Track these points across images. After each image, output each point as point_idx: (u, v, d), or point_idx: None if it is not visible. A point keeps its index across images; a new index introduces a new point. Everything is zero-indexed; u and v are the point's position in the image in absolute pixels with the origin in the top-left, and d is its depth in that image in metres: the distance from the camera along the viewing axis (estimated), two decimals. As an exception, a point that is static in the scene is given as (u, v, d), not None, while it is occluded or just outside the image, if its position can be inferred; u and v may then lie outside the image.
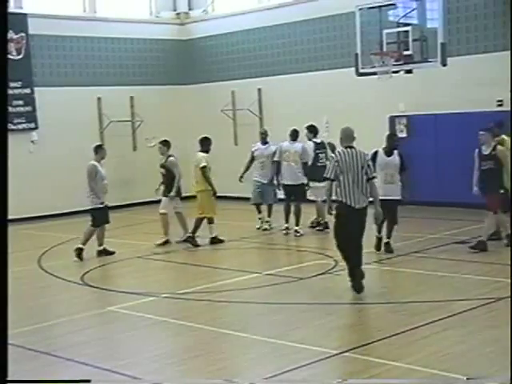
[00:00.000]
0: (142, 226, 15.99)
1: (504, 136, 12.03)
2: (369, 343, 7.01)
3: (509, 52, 15.13)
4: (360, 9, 14.81)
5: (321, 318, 8.10)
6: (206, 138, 13.45)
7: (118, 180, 19.43)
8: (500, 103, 15.40)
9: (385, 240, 11.45)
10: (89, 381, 6.03)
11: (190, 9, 21.49)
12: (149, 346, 7.49)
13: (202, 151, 13.24)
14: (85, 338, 7.81)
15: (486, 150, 11.28)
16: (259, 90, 19.60)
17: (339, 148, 9.28)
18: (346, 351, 6.77)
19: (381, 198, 9.83)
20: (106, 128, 19.51)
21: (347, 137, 9.17)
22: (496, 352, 6.58)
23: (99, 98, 19.48)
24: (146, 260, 12.13)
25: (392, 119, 16.98)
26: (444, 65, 13.80)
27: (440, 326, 7.46)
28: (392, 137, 11.89)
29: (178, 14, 21.43)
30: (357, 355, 6.68)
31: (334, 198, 9.04)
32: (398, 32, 14.47)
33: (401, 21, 14.68)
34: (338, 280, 9.96)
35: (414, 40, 14.18)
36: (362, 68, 14.86)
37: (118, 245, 13.26)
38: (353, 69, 15.18)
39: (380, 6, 14.53)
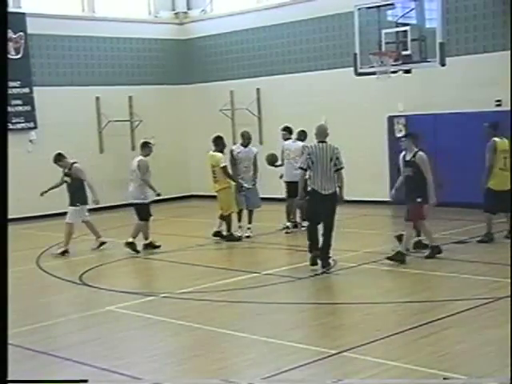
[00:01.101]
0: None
1: (496, 138, 11.82)
2: (367, 343, 7.00)
3: (508, 52, 15.15)
4: (359, 9, 14.79)
5: (319, 317, 8.10)
6: (219, 137, 13.50)
7: (117, 180, 19.42)
8: (498, 103, 15.40)
9: (416, 239, 11.53)
10: (86, 381, 6.02)
11: (188, 8, 21.49)
12: (148, 346, 7.48)
13: (217, 151, 13.29)
14: (83, 337, 7.80)
15: (407, 156, 10.89)
16: (258, 89, 19.60)
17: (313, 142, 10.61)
18: (345, 351, 6.76)
19: None
20: (104, 128, 19.50)
21: (320, 133, 10.51)
22: (495, 352, 6.59)
23: (98, 98, 19.47)
24: (145, 260, 12.12)
25: (391, 119, 16.99)
26: (443, 65, 13.80)
27: (439, 325, 7.46)
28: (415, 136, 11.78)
29: (176, 13, 21.43)
30: (355, 355, 6.67)
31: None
32: (397, 32, 14.45)
33: (399, 21, 14.66)
34: (336, 280, 9.97)
35: (413, 40, 14.17)
36: (361, 68, 14.85)
37: (116, 244, 13.24)
38: (351, 69, 15.17)
39: (378, 6, 14.51)
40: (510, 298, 7.84)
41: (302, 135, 14.16)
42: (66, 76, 19.07)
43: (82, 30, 19.23)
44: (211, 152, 13.36)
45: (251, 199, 13.68)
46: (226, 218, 13.25)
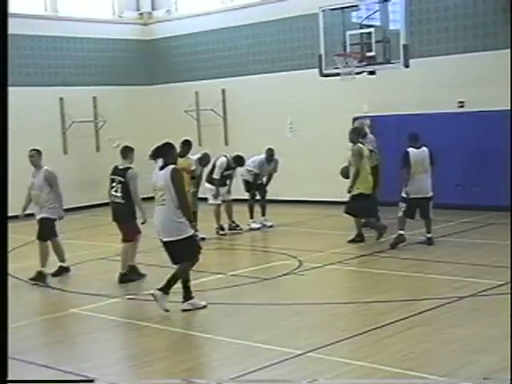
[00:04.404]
0: (105, 228, 15.82)
1: (359, 144, 12.30)
2: (333, 343, 7.03)
3: (469, 54, 15.40)
4: (323, 10, 14.85)
5: (285, 318, 8.11)
6: (185, 141, 13.39)
7: (81, 181, 19.29)
8: (461, 104, 15.59)
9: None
10: (92, 380, 5.98)
11: (153, 9, 21.40)
12: (113, 348, 7.44)
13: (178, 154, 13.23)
14: (47, 340, 7.73)
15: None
16: (223, 90, 19.58)
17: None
18: (311, 351, 6.79)
19: None
20: (68, 129, 19.34)
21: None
22: (458, 350, 6.66)
23: (61, 99, 19.29)
24: (109, 261, 12.02)
25: (355, 120, 17.06)
26: (406, 66, 13.92)
27: (403, 325, 7.52)
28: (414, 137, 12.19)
29: (141, 14, 21.32)
30: (321, 355, 6.70)
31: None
32: (361, 33, 14.55)
33: (364, 22, 14.75)
34: (302, 280, 10.00)
35: (377, 41, 14.27)
36: (326, 69, 14.91)
37: (81, 246, 13.15)
38: (316, 70, 15.23)
39: (343, 8, 14.59)
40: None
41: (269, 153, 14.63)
42: (28, 76, 18.85)
43: (44, 30, 19.04)
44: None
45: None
46: None
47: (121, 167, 10.35)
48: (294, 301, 8.94)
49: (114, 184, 10.28)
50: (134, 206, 10.17)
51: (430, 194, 12.00)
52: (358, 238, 12.32)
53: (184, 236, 8.18)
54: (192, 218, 8.42)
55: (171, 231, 8.15)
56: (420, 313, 7.93)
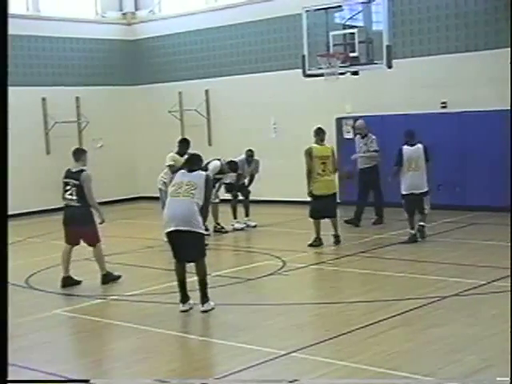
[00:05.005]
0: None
1: (313, 144, 12.34)
2: (317, 343, 7.05)
3: (452, 55, 15.48)
4: (307, 11, 14.86)
5: (269, 318, 8.11)
6: (183, 139, 13.68)
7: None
8: (444, 105, 15.66)
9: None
10: (87, 381, 5.95)
11: (136, 9, 21.34)
12: (96, 349, 7.40)
13: (177, 152, 13.26)
14: (29, 342, 7.67)
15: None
16: (207, 91, 19.56)
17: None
18: (295, 351, 6.79)
19: None
20: (51, 129, 19.24)
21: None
22: (441, 350, 6.69)
23: (44, 99, 19.19)
24: (93, 262, 11.95)
25: (339, 121, 17.12)
26: (389, 67, 13.96)
27: (386, 325, 7.54)
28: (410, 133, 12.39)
29: (124, 14, 21.25)
30: (305, 355, 6.71)
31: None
32: (344, 34, 14.56)
33: (347, 23, 14.78)
34: (285, 280, 10.00)
35: (360, 42, 14.30)
36: (309, 69, 14.92)
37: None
38: (300, 70, 15.25)
39: (326, 8, 14.61)
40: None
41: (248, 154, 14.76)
42: (10, 76, 18.59)
43: (26, 30, 18.89)
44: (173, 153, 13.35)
45: None
46: None
47: (74, 170, 10.30)
48: (277, 301, 8.94)
49: (68, 187, 10.24)
50: (90, 208, 10.14)
51: (424, 190, 12.08)
52: (315, 242, 12.16)
53: (201, 231, 8.38)
54: (204, 220, 8.70)
55: (193, 222, 8.26)
56: (403, 312, 7.96)
